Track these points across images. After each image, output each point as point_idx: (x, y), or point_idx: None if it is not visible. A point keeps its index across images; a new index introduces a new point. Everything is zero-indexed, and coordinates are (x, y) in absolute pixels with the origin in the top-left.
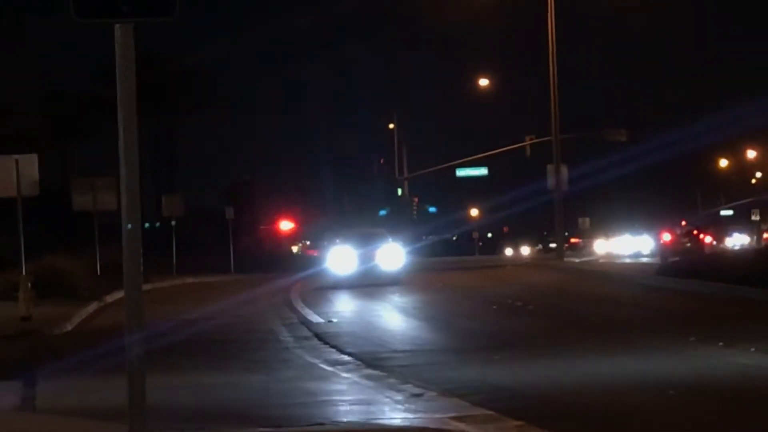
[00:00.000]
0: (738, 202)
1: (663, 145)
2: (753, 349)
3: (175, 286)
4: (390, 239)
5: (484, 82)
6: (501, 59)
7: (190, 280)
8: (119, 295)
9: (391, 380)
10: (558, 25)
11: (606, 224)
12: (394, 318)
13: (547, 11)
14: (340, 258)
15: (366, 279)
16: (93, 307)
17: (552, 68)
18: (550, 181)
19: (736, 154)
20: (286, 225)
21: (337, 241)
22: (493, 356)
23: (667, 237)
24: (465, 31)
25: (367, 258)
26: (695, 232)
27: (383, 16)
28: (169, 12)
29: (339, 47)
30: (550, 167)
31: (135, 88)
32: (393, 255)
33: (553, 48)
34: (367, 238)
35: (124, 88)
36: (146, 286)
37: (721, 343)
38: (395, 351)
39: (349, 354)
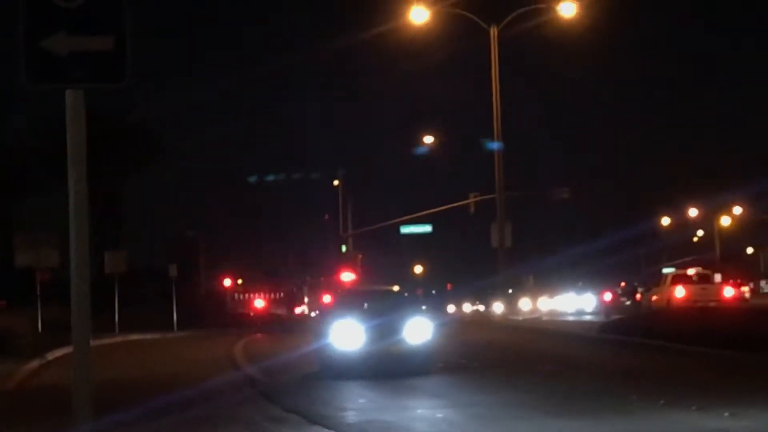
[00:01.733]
0: (679, 261)
1: (605, 204)
2: (694, 407)
3: (118, 343)
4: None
5: (428, 139)
6: (447, 117)
7: (133, 337)
8: (60, 352)
9: None
10: (503, 84)
11: (550, 282)
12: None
13: (491, 70)
14: (347, 329)
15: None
16: (35, 364)
17: (496, 125)
18: (494, 239)
19: (677, 213)
20: (228, 281)
21: (340, 302)
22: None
23: (608, 296)
24: (412, 90)
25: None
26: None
27: (328, 74)
28: (120, 79)
29: (285, 103)
30: (493, 225)
31: (85, 151)
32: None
33: (497, 106)
34: (382, 300)
35: (75, 152)
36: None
37: (662, 402)
38: (340, 408)
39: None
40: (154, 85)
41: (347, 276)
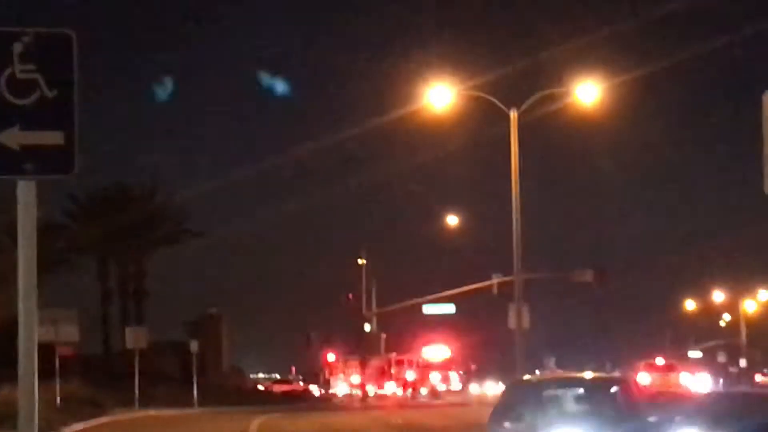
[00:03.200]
0: (705, 345)
1: (628, 287)
2: None
3: (137, 419)
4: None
5: (453, 220)
6: (470, 197)
7: (151, 412)
8: (78, 427)
9: None
10: (525, 167)
11: (574, 362)
12: None
13: (511, 153)
14: None
15: None
16: None
17: (515, 206)
18: (511, 321)
19: (703, 297)
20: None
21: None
22: None
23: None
24: (433, 173)
25: None
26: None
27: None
28: (69, 170)
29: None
30: (511, 306)
31: (35, 236)
32: None
33: (516, 187)
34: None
35: (25, 237)
36: (104, 419)
37: None
38: None
39: None
40: (183, 164)
41: (438, 350)
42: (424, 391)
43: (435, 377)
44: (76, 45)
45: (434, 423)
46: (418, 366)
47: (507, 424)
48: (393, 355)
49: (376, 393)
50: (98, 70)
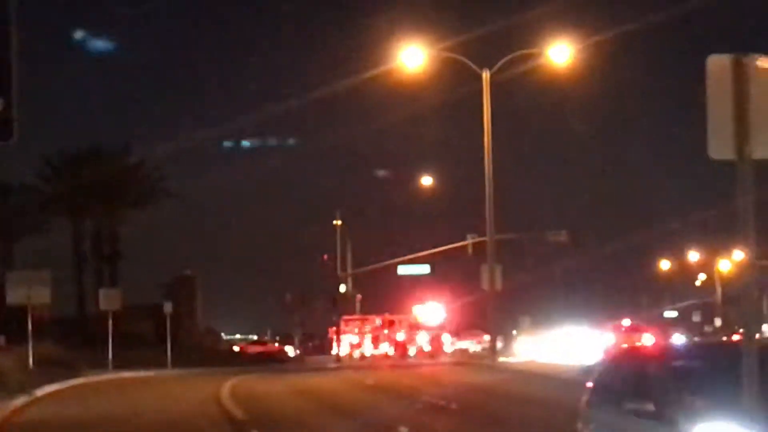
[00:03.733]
0: (682, 304)
1: (604, 246)
2: None
3: (110, 380)
4: None
5: (427, 180)
6: (445, 158)
7: (125, 374)
8: (50, 388)
9: None
10: (497, 127)
11: (548, 323)
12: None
13: (483, 114)
14: None
15: None
16: (21, 400)
17: (487, 167)
18: (484, 282)
19: (679, 257)
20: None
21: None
22: None
23: (610, 336)
24: (406, 133)
25: None
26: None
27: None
28: (8, 137)
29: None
30: (483, 267)
31: None
32: None
33: (488, 148)
34: None
35: None
36: (78, 380)
37: None
38: None
39: None
40: (158, 126)
41: (432, 309)
42: (412, 351)
43: (424, 337)
44: (13, 7)
45: (404, 382)
46: (410, 326)
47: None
48: (386, 316)
49: (372, 354)
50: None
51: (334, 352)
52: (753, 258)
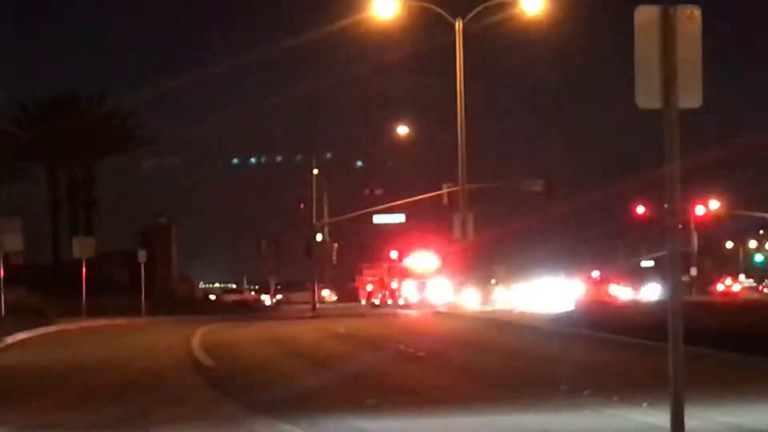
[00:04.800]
0: (658, 254)
1: (580, 195)
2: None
3: (82, 328)
4: None
5: (403, 130)
6: (418, 108)
7: (99, 322)
8: (21, 336)
9: None
10: (471, 77)
11: (525, 273)
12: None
13: (456, 63)
14: None
15: None
16: None
17: (460, 118)
18: (456, 230)
19: (655, 206)
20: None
21: None
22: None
23: (580, 287)
24: (380, 83)
25: None
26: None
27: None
28: None
29: (257, 94)
30: (456, 216)
31: None
32: None
33: (461, 97)
34: None
35: None
36: (50, 328)
37: (586, 392)
38: None
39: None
40: (135, 71)
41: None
42: (401, 301)
43: (410, 285)
44: None
45: (375, 332)
46: (401, 274)
47: None
48: (385, 264)
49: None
50: None
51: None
52: (676, 209)
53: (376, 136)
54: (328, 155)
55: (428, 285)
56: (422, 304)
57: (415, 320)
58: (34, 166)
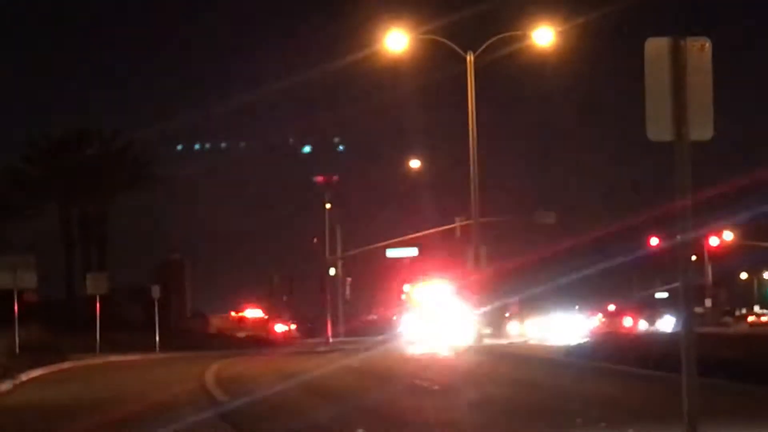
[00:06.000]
0: (673, 285)
1: (593, 227)
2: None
3: (97, 364)
4: None
5: (415, 163)
6: (432, 143)
7: (112, 358)
8: (35, 373)
9: None
10: (483, 110)
11: (538, 305)
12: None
13: (468, 96)
14: None
15: None
16: (6, 386)
17: (472, 149)
18: (470, 263)
19: (668, 237)
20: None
21: None
22: None
23: (595, 320)
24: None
25: None
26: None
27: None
28: None
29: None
30: (469, 248)
31: None
32: None
33: (473, 130)
34: None
35: None
36: (64, 365)
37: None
38: None
39: None
40: (148, 109)
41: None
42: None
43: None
44: None
45: (390, 365)
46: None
47: None
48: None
49: None
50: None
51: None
52: (689, 241)
53: (389, 170)
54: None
55: (441, 316)
56: (433, 336)
57: (430, 354)
58: (45, 202)
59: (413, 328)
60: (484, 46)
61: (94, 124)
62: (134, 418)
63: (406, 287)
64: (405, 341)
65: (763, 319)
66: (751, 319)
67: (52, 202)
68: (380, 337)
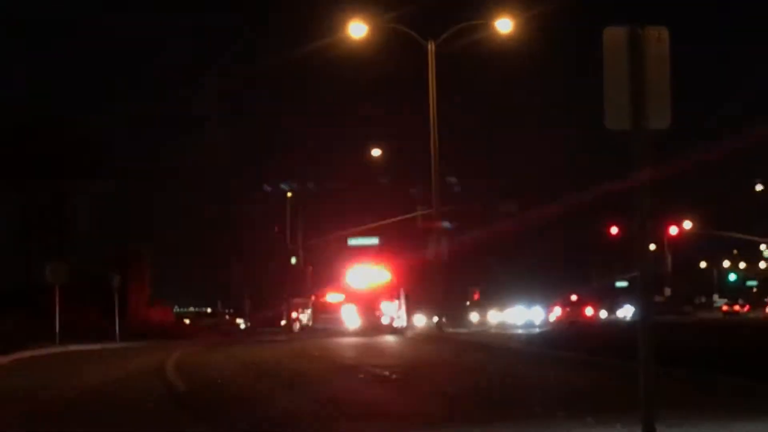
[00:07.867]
0: (633, 274)
1: (553, 217)
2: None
3: (56, 354)
4: None
5: (376, 152)
6: (391, 132)
7: (72, 347)
8: None
9: None
10: (445, 99)
11: (500, 294)
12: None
13: (429, 85)
14: None
15: None
16: None
17: (433, 140)
18: (429, 251)
19: (628, 226)
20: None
21: None
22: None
23: (557, 309)
24: (352, 105)
25: None
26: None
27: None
28: None
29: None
30: (430, 237)
31: None
32: None
33: (434, 121)
34: None
35: None
36: (23, 354)
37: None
38: None
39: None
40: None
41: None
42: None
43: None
44: None
45: (349, 354)
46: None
47: None
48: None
49: None
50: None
51: None
52: (646, 228)
53: (351, 158)
54: (303, 184)
55: (385, 305)
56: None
57: (388, 343)
58: (4, 191)
59: (352, 315)
60: (445, 35)
61: (54, 111)
62: (96, 408)
63: (347, 274)
64: (348, 328)
65: (736, 307)
66: (725, 308)
67: (12, 190)
68: (343, 326)
